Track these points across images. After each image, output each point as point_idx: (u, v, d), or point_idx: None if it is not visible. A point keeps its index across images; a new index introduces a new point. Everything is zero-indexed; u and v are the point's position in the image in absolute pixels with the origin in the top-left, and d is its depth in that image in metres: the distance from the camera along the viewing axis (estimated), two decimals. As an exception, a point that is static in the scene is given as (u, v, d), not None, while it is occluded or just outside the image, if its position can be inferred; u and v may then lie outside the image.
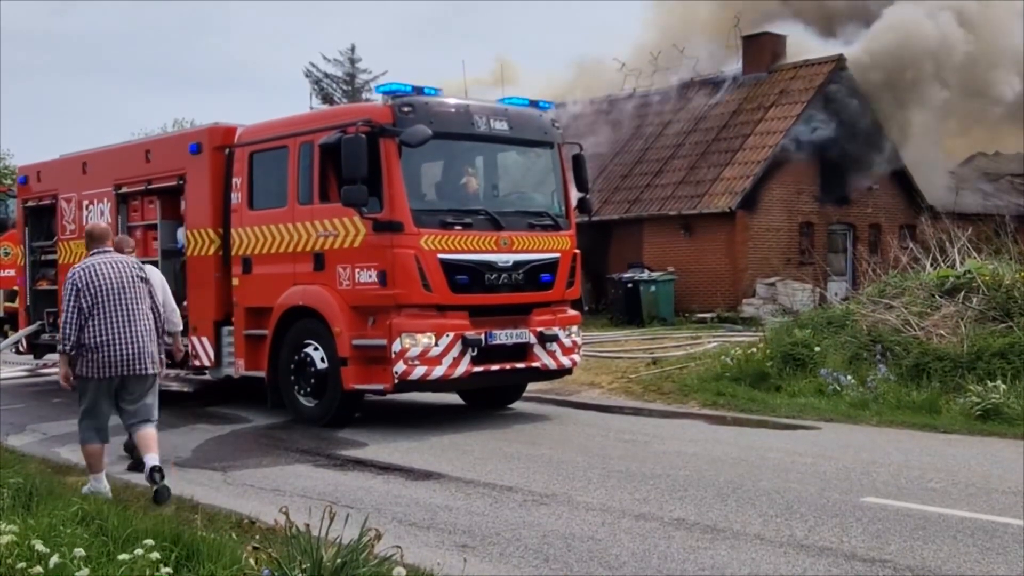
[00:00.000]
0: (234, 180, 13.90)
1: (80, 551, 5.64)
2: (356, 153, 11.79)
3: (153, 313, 8.88)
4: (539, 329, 13.01)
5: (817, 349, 15.48)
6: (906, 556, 6.94)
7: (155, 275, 10.23)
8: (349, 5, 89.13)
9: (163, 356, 9.13)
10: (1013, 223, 22.67)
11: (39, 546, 5.72)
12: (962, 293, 15.73)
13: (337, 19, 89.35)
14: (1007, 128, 36.88)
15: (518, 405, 14.46)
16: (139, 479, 9.72)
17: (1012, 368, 13.41)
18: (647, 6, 73.52)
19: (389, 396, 13.24)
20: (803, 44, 31.67)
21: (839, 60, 29.39)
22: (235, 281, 13.86)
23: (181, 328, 11.23)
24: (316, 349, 12.72)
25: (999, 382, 12.89)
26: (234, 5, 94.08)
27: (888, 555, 6.97)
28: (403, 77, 58.71)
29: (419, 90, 12.67)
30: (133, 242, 11.72)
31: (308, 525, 5.38)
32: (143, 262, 15.05)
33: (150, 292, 8.91)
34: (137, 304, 8.69)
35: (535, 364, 13.10)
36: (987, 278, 15.67)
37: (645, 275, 26.92)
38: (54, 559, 5.56)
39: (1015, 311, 14.83)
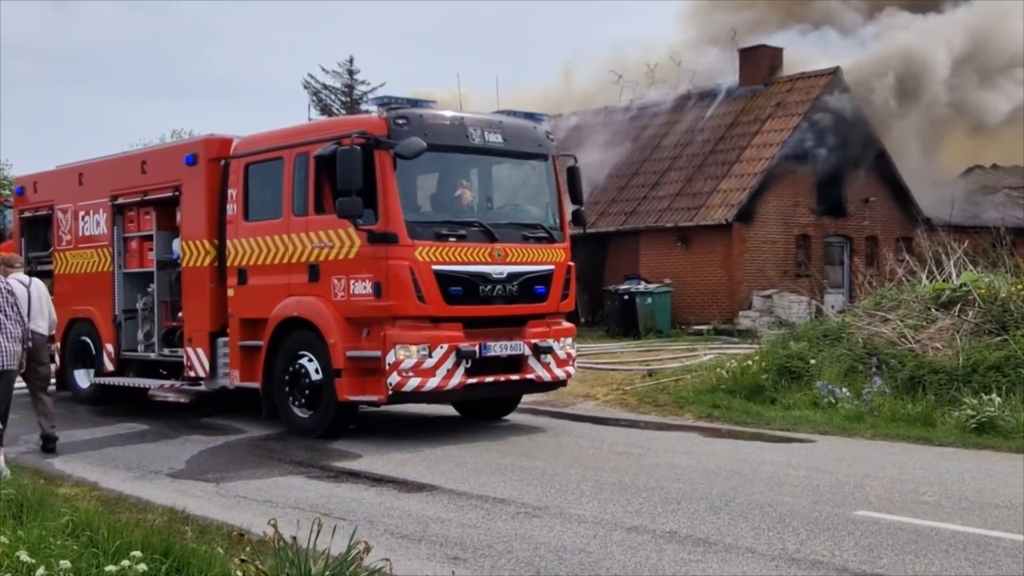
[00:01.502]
0: (230, 191, 13.90)
1: (66, 563, 5.63)
2: (351, 165, 11.80)
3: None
4: (534, 341, 13.01)
5: (813, 362, 15.47)
6: (898, 570, 6.93)
7: (29, 289, 11.84)
8: (349, 17, 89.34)
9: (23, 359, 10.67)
10: (1009, 236, 22.68)
11: (24, 557, 5.71)
12: (958, 306, 15.74)
13: (336, 30, 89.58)
14: (1004, 141, 36.98)
15: (513, 417, 14.44)
16: (132, 490, 9.73)
17: (1007, 381, 13.41)
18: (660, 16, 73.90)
19: (383, 407, 13.23)
20: (802, 55, 31.76)
21: (835, 72, 29.46)
22: (230, 292, 13.85)
23: (48, 333, 12.31)
24: (311, 360, 12.72)
25: (994, 395, 12.89)
26: (234, 16, 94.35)
27: (880, 569, 6.96)
28: (401, 89, 58.87)
29: (414, 102, 12.72)
30: (21, 259, 13.68)
31: (295, 538, 5.37)
32: (137, 273, 15.31)
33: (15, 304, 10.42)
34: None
35: (529, 376, 13.10)
36: (983, 291, 15.68)
37: (642, 287, 26.95)
38: (40, 571, 5.54)
39: (1011, 324, 14.83)
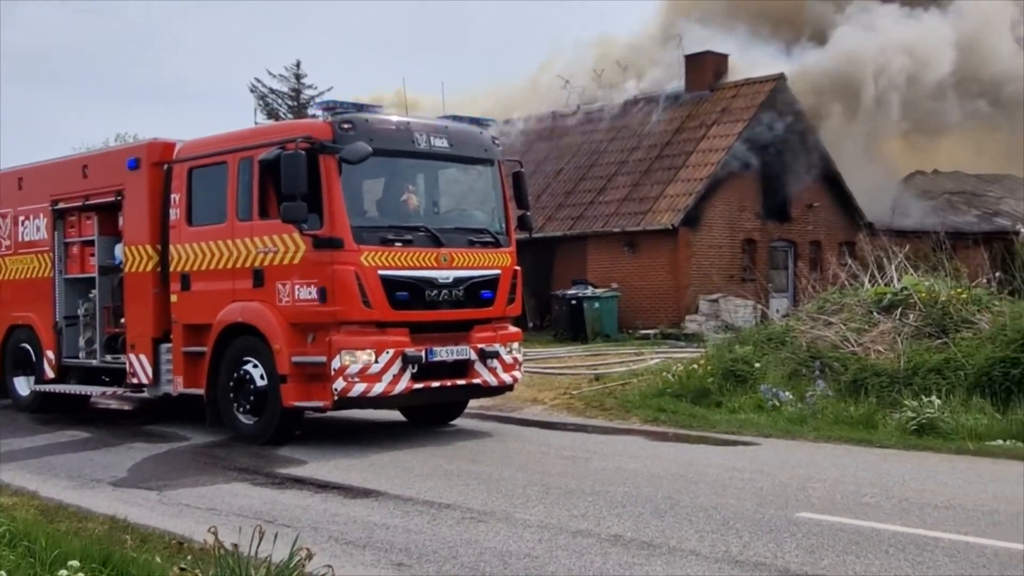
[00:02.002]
0: (172, 196, 13.77)
1: (2, 573, 5.54)
2: (295, 169, 11.74)
3: None
4: (480, 346, 13.01)
5: (757, 365, 15.61)
6: (838, 570, 7.00)
7: None
8: (296, 20, 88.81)
9: None
10: (949, 240, 23.04)
11: (-46, 568, 5.62)
12: (899, 309, 15.96)
13: (286, 34, 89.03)
14: (946, 147, 37.63)
15: (460, 422, 14.43)
16: (72, 499, 9.59)
17: (947, 383, 13.61)
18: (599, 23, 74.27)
19: (329, 413, 13.16)
20: (749, 60, 32.05)
21: (780, 79, 29.77)
22: (173, 298, 13.72)
23: None
24: (255, 366, 12.62)
25: (934, 397, 13.06)
26: (181, 19, 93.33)
27: (821, 570, 7.03)
28: (349, 93, 58.48)
29: (359, 107, 12.68)
30: None
31: (236, 545, 5.32)
32: (78, 278, 15.10)
33: None
34: None
35: (476, 381, 13.09)
36: (923, 295, 15.91)
37: (589, 291, 27.04)
38: (-27, 582, 5.46)
39: (950, 327, 15.06)
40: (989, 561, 7.17)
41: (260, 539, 5.46)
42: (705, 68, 31.30)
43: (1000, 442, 11.92)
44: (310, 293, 12.13)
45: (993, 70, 34.05)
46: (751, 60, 32.44)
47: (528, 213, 14.38)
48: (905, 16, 33.40)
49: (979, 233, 30.04)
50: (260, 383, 12.53)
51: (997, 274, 18.52)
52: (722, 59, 31.78)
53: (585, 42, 42.22)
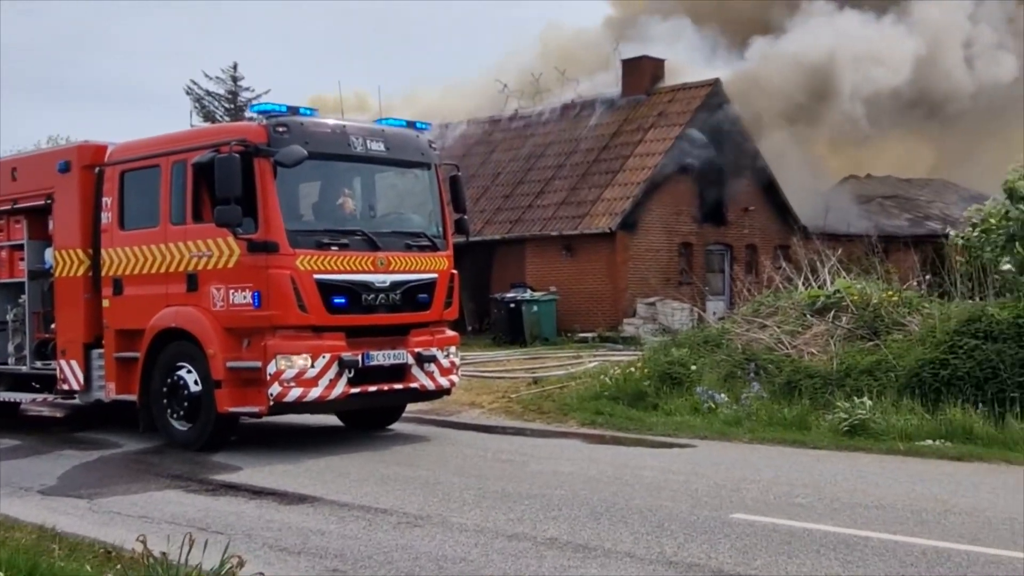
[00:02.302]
0: (104, 199, 13.58)
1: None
2: (229, 173, 11.64)
3: None
4: (417, 350, 12.98)
5: (694, 368, 15.73)
6: (771, 570, 7.09)
7: None
8: (233, 22, 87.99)
9: None
10: (881, 244, 23.43)
11: None
12: (832, 312, 16.19)
13: (221, 36, 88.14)
14: (878, 152, 38.26)
15: (397, 426, 14.38)
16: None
17: (879, 385, 13.82)
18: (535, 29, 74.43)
19: (265, 419, 13.05)
20: (687, 66, 32.29)
21: (715, 84, 30.06)
22: (105, 303, 13.52)
23: None
24: (189, 372, 12.48)
25: (866, 398, 13.27)
26: (116, 20, 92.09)
27: (754, 570, 7.11)
28: (288, 96, 58.03)
29: (294, 110, 12.58)
30: None
31: (165, 554, 5.26)
32: (7, 283, 14.83)
33: None
34: None
35: (413, 385, 13.05)
36: (855, 297, 16.14)
37: (528, 295, 27.10)
38: None
39: (882, 329, 15.30)
40: (916, 560, 7.30)
41: (191, 547, 5.40)
42: (642, 72, 31.53)
43: (929, 442, 12.13)
44: (245, 297, 12.03)
45: (944, 87, 34.72)
46: (695, 62, 32.67)
47: (465, 217, 14.38)
48: (862, 24, 33.73)
49: (910, 236, 30.56)
50: (194, 389, 12.39)
51: (927, 277, 18.86)
52: (659, 64, 32.02)
53: (532, 44, 42.15)
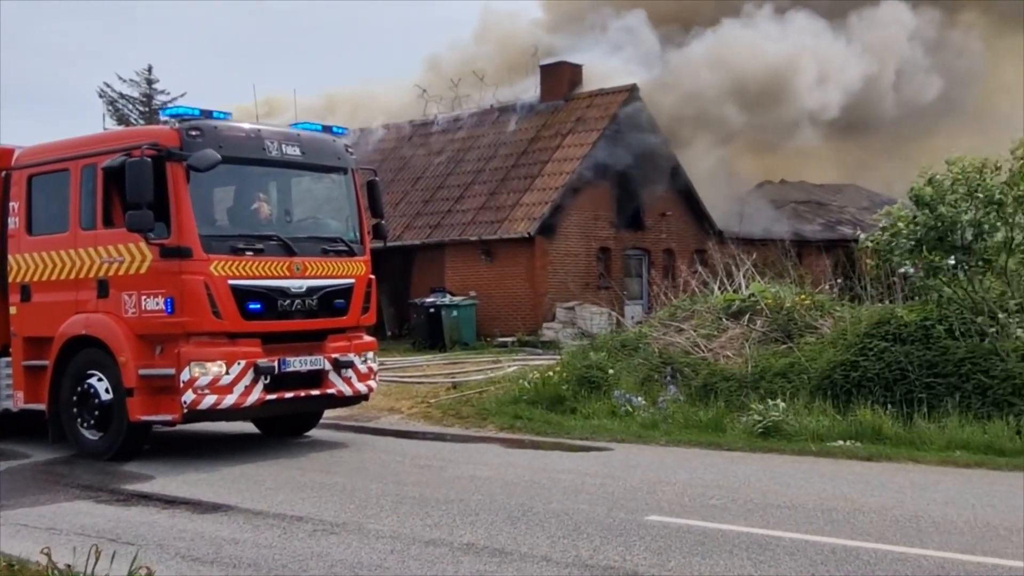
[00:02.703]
0: (11, 204, 13.28)
1: None
2: (141, 177, 11.45)
3: None
4: (334, 355, 12.89)
5: (611, 372, 15.84)
6: (684, 571, 7.17)
7: None
8: (148, 24, 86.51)
9: None
10: (794, 248, 23.85)
11: None
12: (747, 316, 16.45)
13: (135, 38, 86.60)
14: (793, 157, 38.88)
15: (314, 433, 14.26)
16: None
17: (792, 387, 14.07)
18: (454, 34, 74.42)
19: (179, 427, 12.85)
20: (608, 71, 32.46)
21: (632, 89, 30.30)
22: (13, 310, 13.22)
23: None
24: (100, 380, 12.24)
25: (779, 400, 13.49)
26: (27, 20, 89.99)
27: (668, 571, 7.18)
28: (203, 100, 57.35)
29: (208, 114, 12.43)
30: None
31: (70, 566, 5.15)
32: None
33: None
34: None
35: (330, 391, 12.96)
36: (769, 301, 16.42)
37: (447, 300, 27.06)
38: None
39: (795, 332, 15.59)
40: (826, 558, 7.44)
41: (97, 558, 5.30)
42: (560, 78, 31.69)
43: (840, 443, 12.37)
44: (157, 304, 11.84)
45: (874, 107, 35.40)
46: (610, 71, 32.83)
47: (383, 222, 14.31)
48: (808, 32, 34.15)
49: (823, 241, 31.20)
50: (105, 397, 12.16)
51: (839, 280, 19.27)
52: (577, 69, 32.19)
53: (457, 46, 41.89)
